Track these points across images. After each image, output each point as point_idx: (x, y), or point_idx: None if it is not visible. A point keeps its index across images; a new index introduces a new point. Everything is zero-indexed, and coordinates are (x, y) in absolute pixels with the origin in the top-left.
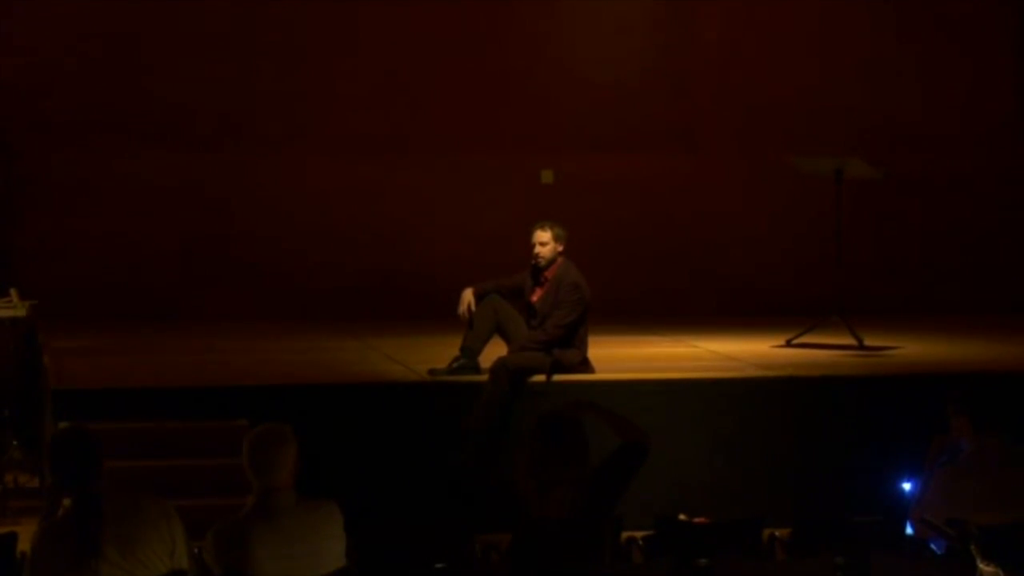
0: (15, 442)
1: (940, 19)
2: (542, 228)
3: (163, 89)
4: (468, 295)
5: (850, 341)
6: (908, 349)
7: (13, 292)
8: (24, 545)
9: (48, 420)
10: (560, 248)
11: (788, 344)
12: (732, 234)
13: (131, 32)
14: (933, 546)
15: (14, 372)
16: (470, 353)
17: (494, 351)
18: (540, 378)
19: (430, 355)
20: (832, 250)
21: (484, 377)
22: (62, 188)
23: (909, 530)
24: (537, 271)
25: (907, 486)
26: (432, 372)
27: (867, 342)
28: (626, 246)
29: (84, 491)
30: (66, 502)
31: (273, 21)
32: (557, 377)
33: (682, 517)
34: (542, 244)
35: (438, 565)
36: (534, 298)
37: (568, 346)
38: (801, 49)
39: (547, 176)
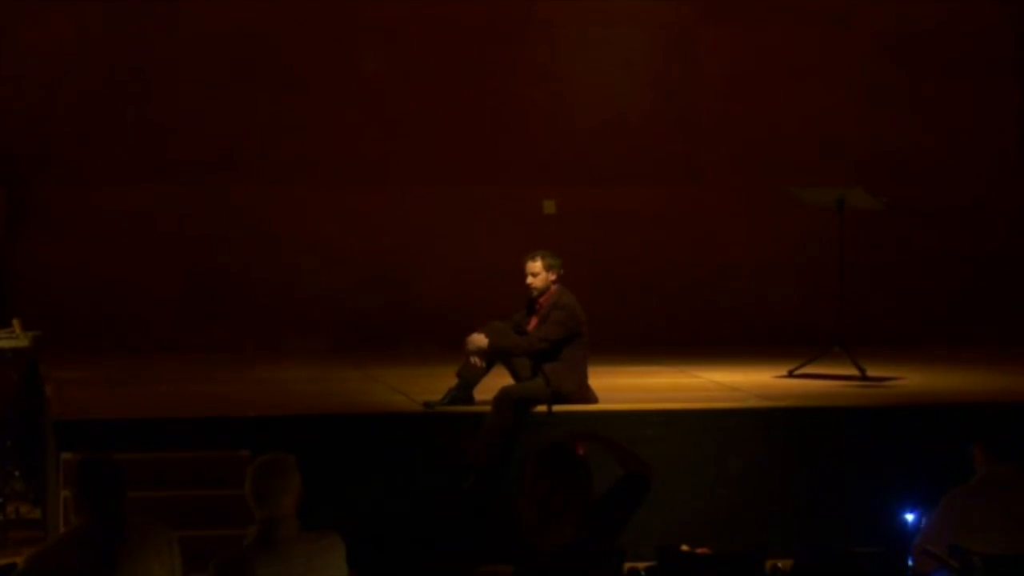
0: (16, 473)
1: (941, 50)
2: (532, 259)
3: (163, 122)
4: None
5: (852, 372)
6: (910, 380)
7: (15, 323)
8: None
9: (50, 451)
10: (553, 277)
11: (790, 375)
12: (734, 265)
13: (130, 65)
14: None
15: (16, 403)
16: (465, 384)
17: (495, 381)
18: (542, 408)
19: (432, 386)
20: (834, 280)
21: (482, 407)
22: (63, 220)
23: (911, 562)
24: (532, 301)
25: (909, 517)
26: (427, 404)
27: (869, 372)
28: (628, 277)
29: (107, 517)
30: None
31: (272, 53)
32: (559, 407)
33: (684, 548)
34: (533, 275)
35: None
36: (530, 327)
37: (555, 363)
38: (803, 80)
39: (549, 207)
